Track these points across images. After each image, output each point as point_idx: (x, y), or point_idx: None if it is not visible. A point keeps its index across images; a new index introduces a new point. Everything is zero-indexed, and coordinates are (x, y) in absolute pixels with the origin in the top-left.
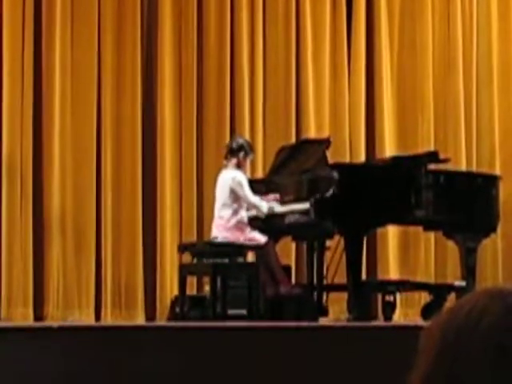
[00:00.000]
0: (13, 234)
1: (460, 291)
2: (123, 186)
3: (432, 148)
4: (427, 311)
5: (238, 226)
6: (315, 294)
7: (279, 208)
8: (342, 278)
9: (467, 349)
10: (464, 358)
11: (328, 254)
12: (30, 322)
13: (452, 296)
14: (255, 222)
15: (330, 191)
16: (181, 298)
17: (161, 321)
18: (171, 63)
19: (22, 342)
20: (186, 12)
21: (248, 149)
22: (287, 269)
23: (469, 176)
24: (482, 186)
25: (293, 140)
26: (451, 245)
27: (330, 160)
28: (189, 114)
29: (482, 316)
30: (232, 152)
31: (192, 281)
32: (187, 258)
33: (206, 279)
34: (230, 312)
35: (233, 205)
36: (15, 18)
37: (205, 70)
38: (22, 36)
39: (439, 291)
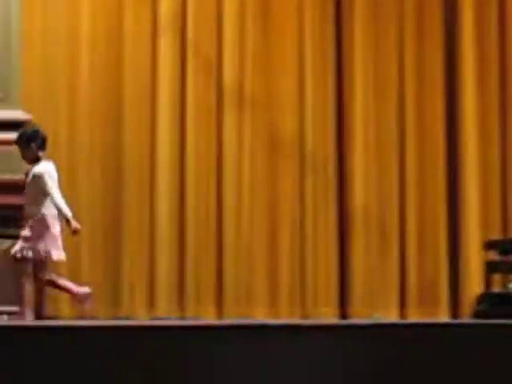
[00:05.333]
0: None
1: None
2: (428, 184)
3: None
4: None
5: None
6: None
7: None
8: None
9: None
10: None
11: None
12: (335, 320)
13: None
14: None
15: None
16: (485, 295)
17: (465, 318)
18: (473, 57)
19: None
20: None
21: None
22: None
23: None
24: None
25: None
26: None
27: None
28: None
29: None
30: None
31: (497, 278)
32: (492, 254)
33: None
34: None
35: None
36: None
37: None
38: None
39: None
